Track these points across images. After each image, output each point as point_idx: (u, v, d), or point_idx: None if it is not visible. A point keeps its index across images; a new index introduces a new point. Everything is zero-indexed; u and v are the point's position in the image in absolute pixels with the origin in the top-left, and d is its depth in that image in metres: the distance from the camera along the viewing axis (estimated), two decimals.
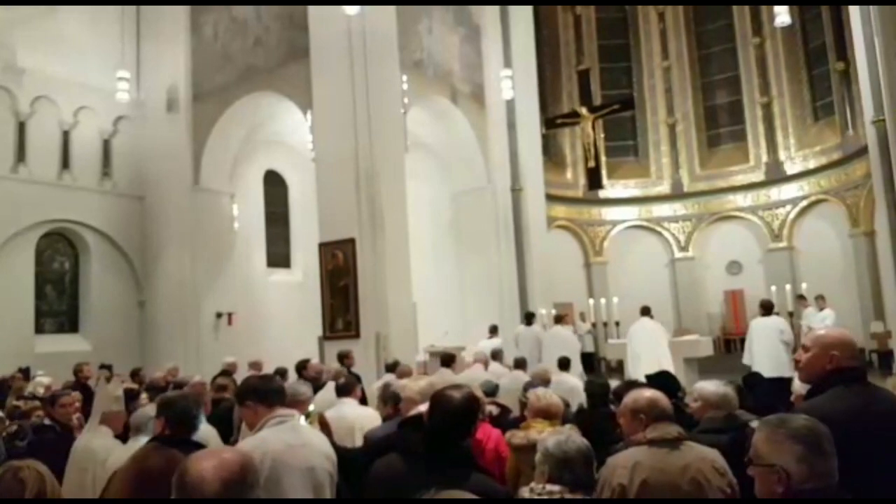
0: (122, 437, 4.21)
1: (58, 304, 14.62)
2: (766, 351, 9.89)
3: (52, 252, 14.55)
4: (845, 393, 2.74)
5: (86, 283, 14.84)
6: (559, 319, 12.79)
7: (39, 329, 14.08)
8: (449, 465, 2.72)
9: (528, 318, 13.33)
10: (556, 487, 2.84)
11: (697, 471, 2.88)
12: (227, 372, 10.06)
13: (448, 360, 9.22)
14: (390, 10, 12.71)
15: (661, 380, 5.51)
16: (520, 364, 9.40)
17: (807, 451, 2.00)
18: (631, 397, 3.28)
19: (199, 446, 2.99)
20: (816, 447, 2.00)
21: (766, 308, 10.84)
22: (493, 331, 13.30)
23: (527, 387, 6.12)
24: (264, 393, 3.19)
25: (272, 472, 2.96)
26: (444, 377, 8.29)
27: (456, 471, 2.71)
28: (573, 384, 8.05)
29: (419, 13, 14.35)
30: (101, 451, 4.01)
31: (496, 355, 9.97)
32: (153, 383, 10.42)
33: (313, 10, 12.69)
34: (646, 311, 12.39)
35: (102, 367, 11.34)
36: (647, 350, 11.49)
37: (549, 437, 2.89)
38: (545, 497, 2.85)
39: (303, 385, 5.18)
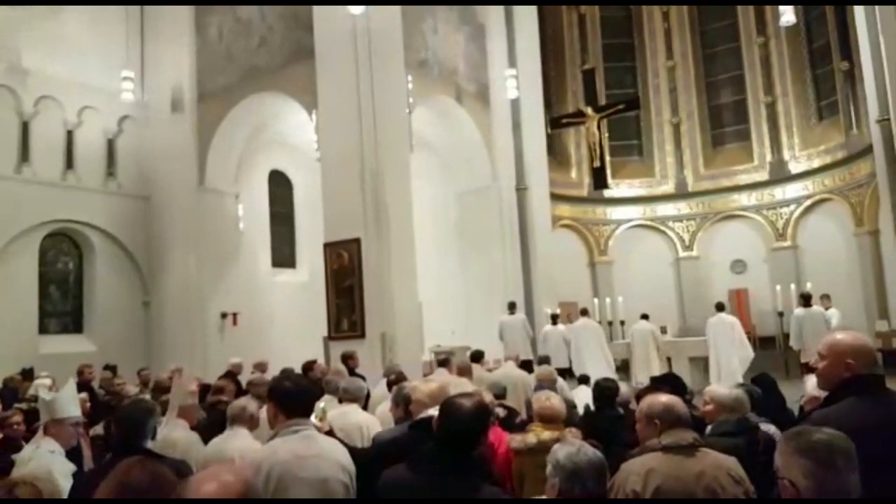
0: (195, 428, 4.57)
1: (62, 305, 14.61)
2: (815, 335, 11.51)
3: (56, 252, 14.54)
4: (859, 403, 2.68)
5: (90, 284, 14.83)
6: (584, 312, 14.34)
7: (43, 329, 14.05)
8: (459, 477, 2.69)
9: (554, 319, 14.30)
10: None
11: (713, 478, 2.85)
12: (232, 373, 10.04)
13: (477, 356, 9.39)
14: (395, 10, 12.69)
15: (667, 381, 5.50)
16: (544, 361, 9.65)
17: (815, 466, 1.97)
18: (646, 402, 3.26)
19: (154, 455, 2.96)
20: (825, 463, 1.97)
21: (807, 299, 12.70)
22: (512, 307, 14.09)
23: (536, 389, 6.13)
24: (289, 402, 3.14)
25: (279, 484, 2.92)
26: (475, 373, 8.41)
27: (466, 482, 2.69)
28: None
29: (423, 13, 14.34)
30: (181, 441, 4.32)
31: (544, 361, 10.16)
32: (159, 384, 10.41)
33: (318, 11, 12.68)
34: (721, 307, 13.44)
35: (107, 367, 11.31)
36: (727, 342, 12.69)
37: (560, 448, 2.81)
38: None
39: (361, 381, 5.32)
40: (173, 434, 4.41)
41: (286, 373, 6.94)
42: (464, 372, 7.70)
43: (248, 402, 4.56)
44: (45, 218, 13.92)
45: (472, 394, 3.39)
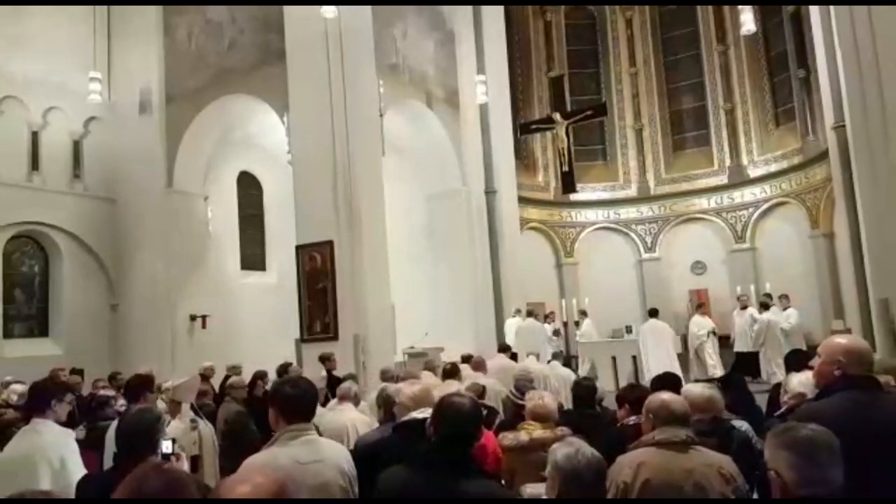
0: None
1: (27, 308, 14.37)
2: (741, 332, 14.45)
3: (20, 255, 14.30)
4: (845, 399, 2.80)
5: (56, 287, 14.61)
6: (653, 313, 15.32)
7: (8, 334, 13.81)
8: (458, 474, 2.72)
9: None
10: None
11: (702, 475, 2.94)
12: (205, 376, 10.03)
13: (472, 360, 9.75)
14: (366, 15, 12.74)
15: (665, 380, 5.57)
16: (555, 356, 10.13)
17: (797, 459, 2.12)
18: (648, 399, 3.36)
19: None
20: (808, 456, 2.12)
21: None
22: (518, 312, 15.19)
23: (518, 388, 6.21)
24: (289, 407, 3.09)
25: None
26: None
27: (464, 478, 2.72)
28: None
29: (394, 18, 14.40)
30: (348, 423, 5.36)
31: (557, 356, 10.68)
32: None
33: (288, 13, 12.69)
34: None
35: (73, 371, 11.20)
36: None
37: (559, 448, 2.84)
38: None
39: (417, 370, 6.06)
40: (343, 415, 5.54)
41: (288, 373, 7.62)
42: (479, 368, 8.11)
43: (351, 384, 5.96)
44: (10, 220, 13.70)
45: (464, 394, 3.38)
